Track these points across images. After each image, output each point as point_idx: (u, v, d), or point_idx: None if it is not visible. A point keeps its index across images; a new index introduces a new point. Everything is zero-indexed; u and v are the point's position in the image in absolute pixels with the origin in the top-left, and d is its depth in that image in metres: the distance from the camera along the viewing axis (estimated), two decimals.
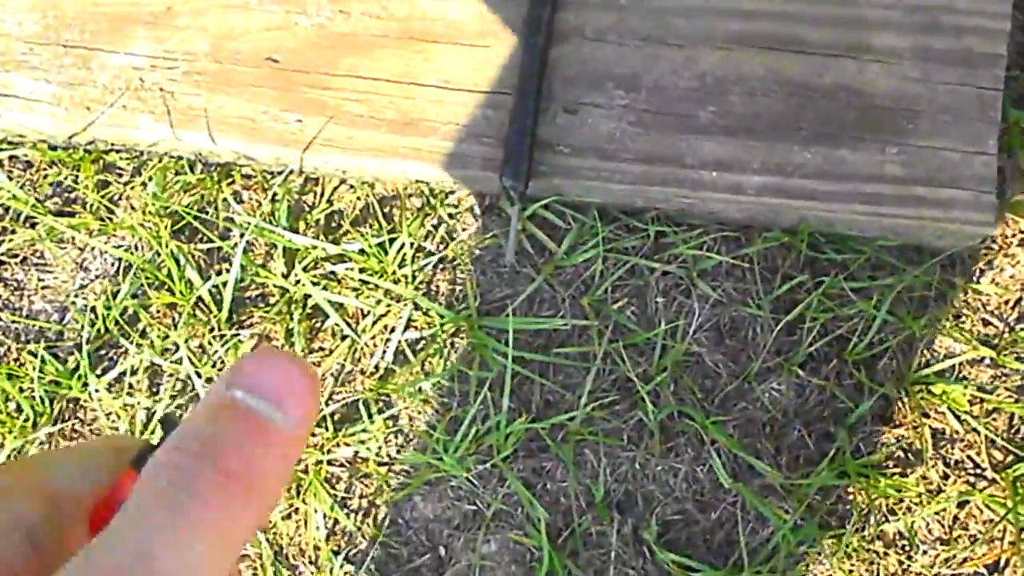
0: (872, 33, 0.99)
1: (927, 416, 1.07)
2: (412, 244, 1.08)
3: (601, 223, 1.06)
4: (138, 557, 0.20)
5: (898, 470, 1.07)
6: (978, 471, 1.08)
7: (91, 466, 0.26)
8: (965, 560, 1.07)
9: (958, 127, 0.99)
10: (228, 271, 1.09)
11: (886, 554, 1.07)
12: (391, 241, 1.09)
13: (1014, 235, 1.10)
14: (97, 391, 1.11)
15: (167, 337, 1.12)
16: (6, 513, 0.23)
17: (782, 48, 1.00)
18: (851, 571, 1.06)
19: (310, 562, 1.07)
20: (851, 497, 1.08)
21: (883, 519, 1.07)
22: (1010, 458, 1.08)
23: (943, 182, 0.99)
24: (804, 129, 1.00)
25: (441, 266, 1.11)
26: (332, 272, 1.10)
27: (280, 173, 1.11)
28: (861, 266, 1.07)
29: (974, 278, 1.10)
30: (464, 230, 1.10)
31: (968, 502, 1.07)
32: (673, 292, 1.09)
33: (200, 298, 1.11)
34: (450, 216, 1.11)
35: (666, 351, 1.08)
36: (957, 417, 1.08)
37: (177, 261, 1.11)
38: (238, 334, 1.10)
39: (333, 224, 1.13)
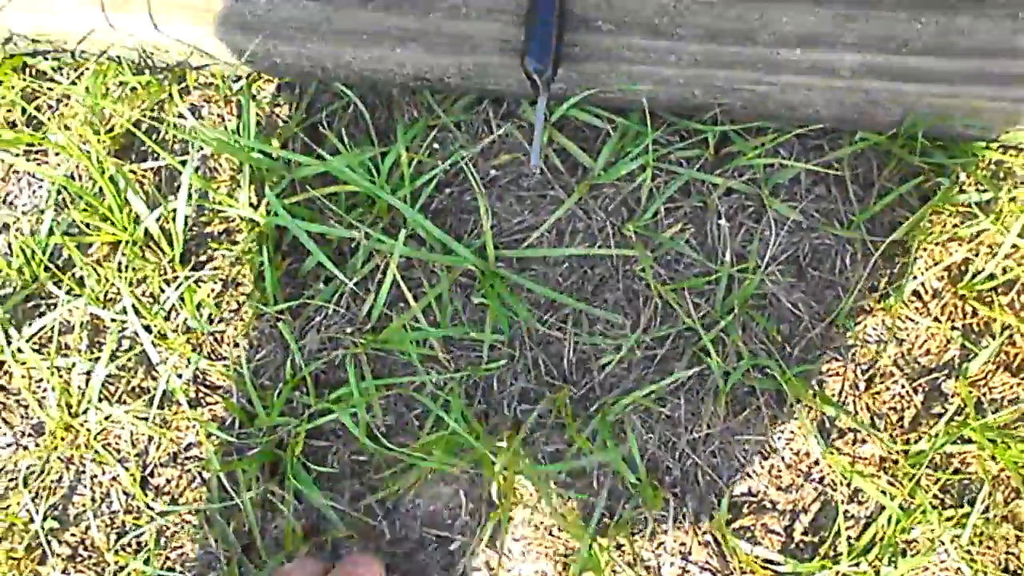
0: None
1: None
2: (410, 160, 0.86)
3: (650, 130, 0.84)
4: None
5: None
6: None
7: None
8: None
9: None
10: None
11: (1019, 539, 0.84)
12: (383, 156, 0.87)
13: None
14: (21, 351, 0.89)
15: (109, 283, 0.90)
16: None
17: None
18: (975, 562, 0.83)
19: (287, 559, 0.84)
20: (972, 468, 0.85)
21: (1012, 495, 0.85)
22: None
23: None
24: None
25: (447, 188, 0.89)
26: (312, 199, 0.88)
27: (245, 77, 0.89)
28: (983, 176, 0.84)
29: None
30: (476, 143, 0.88)
31: None
32: (740, 215, 0.87)
33: (148, 234, 0.89)
34: (457, 125, 0.88)
35: (732, 289, 0.86)
36: None
37: (117, 187, 0.89)
38: (193, 275, 0.88)
39: (313, 138, 0.91)
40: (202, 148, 0.90)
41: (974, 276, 0.84)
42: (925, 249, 0.85)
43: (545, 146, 0.87)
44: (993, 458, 0.83)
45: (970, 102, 0.78)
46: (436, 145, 0.89)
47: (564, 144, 0.87)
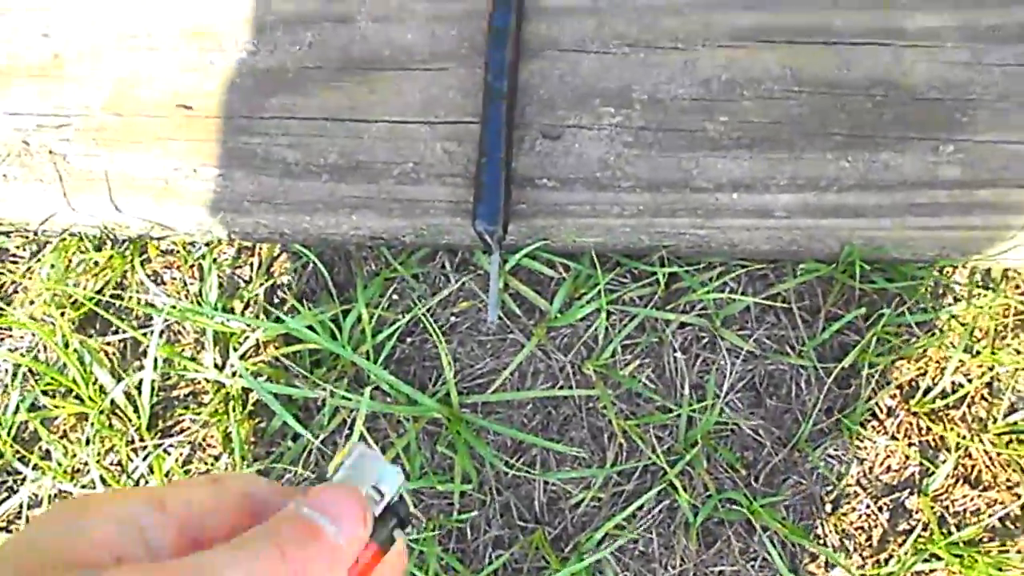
0: (905, 13, 0.82)
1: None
2: (371, 315, 0.88)
3: (600, 271, 0.87)
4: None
5: (996, 544, 0.86)
6: None
7: (222, 504, 0.33)
8: None
9: (1023, 114, 0.81)
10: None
11: None
12: (345, 314, 0.89)
13: None
14: None
15: (75, 456, 0.90)
16: (132, 520, 0.31)
17: (798, 40, 0.83)
18: None
19: None
20: None
21: None
22: None
23: (1011, 182, 0.81)
24: (836, 134, 0.82)
25: (409, 340, 0.91)
26: (276, 359, 0.90)
27: (205, 244, 0.92)
28: (923, 296, 0.88)
29: None
30: (434, 294, 0.90)
31: None
32: (695, 347, 0.89)
33: (115, 404, 0.90)
34: (415, 278, 0.91)
35: (694, 421, 0.88)
36: None
37: (82, 360, 0.90)
38: (163, 443, 0.88)
39: (275, 300, 0.93)
40: (161, 317, 0.92)
41: (925, 393, 0.87)
42: (876, 370, 0.88)
43: (501, 292, 0.90)
44: (958, 574, 0.84)
45: (901, 232, 0.82)
46: (396, 296, 0.91)
47: (519, 289, 0.89)
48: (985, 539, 0.86)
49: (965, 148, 0.81)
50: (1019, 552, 0.85)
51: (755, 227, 0.82)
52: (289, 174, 0.84)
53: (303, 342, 0.88)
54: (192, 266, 0.94)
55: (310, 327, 0.87)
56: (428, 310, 0.90)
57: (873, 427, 0.88)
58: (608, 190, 0.82)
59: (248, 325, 0.89)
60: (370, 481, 0.35)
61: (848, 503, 0.87)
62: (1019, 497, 0.87)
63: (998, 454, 0.87)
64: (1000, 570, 0.84)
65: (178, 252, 0.93)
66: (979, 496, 0.87)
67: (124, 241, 0.92)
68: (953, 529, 0.86)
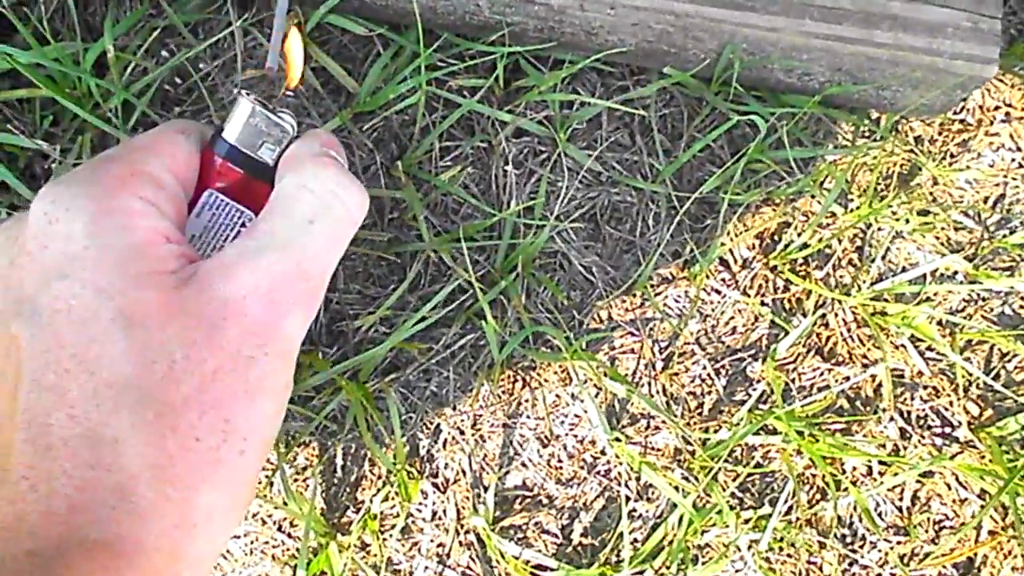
0: None
1: (881, 349, 0.76)
2: (127, 65, 0.68)
3: (426, 49, 0.69)
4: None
5: (842, 424, 0.75)
6: (948, 430, 0.77)
7: (195, 159, 0.36)
8: (927, 556, 0.75)
9: None
10: None
11: (822, 546, 0.74)
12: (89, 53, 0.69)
13: (997, 107, 0.80)
14: None
15: None
16: (155, 202, 0.33)
17: None
18: (773, 572, 0.73)
19: None
20: (775, 464, 0.74)
21: (817, 497, 0.75)
22: (989, 412, 0.77)
23: None
24: None
25: (179, 109, 0.72)
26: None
27: None
28: (800, 130, 0.74)
29: (945, 161, 0.79)
30: (215, 56, 0.71)
31: (933, 473, 0.76)
32: (530, 160, 0.74)
33: None
34: (194, 33, 0.71)
35: (517, 244, 0.72)
36: (921, 354, 0.77)
37: None
38: None
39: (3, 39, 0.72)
40: None
41: (787, 246, 0.74)
42: (735, 212, 0.74)
43: (302, 66, 0.71)
44: (799, 452, 0.73)
45: (795, 38, 0.68)
46: (166, 54, 0.72)
47: (327, 64, 0.71)
48: (829, 419, 0.75)
49: None
50: (864, 436, 0.74)
51: (621, 6, 0.66)
52: None
53: (35, 86, 0.68)
54: None
55: (48, 77, 0.67)
56: (206, 75, 0.71)
57: (723, 279, 0.75)
58: None
59: None
60: (270, 134, 0.38)
61: (682, 363, 0.74)
62: (873, 377, 0.76)
63: (858, 325, 0.76)
64: (841, 449, 0.72)
65: None
66: (830, 371, 0.76)
67: None
68: (797, 402, 0.74)
